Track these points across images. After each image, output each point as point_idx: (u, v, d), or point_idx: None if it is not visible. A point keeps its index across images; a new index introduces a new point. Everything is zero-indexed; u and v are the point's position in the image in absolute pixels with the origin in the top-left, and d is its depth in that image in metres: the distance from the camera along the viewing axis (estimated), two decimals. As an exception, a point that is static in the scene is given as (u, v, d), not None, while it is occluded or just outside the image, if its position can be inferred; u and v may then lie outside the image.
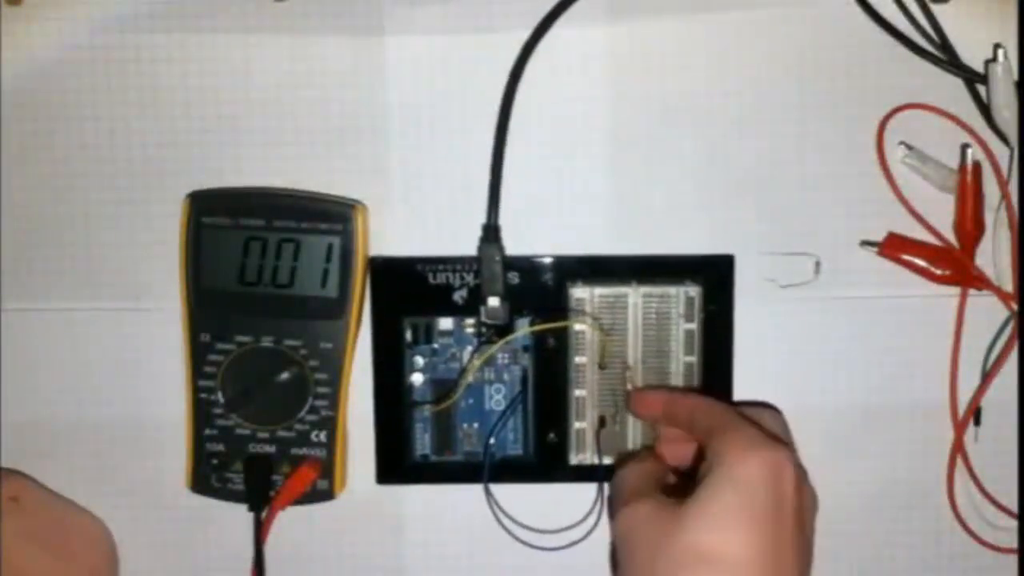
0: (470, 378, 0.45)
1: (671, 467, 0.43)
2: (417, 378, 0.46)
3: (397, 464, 0.46)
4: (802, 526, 0.36)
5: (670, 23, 0.45)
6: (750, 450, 0.36)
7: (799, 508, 0.36)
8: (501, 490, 0.46)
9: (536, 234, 0.46)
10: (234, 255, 0.44)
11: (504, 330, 0.45)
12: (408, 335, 0.46)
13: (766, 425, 0.39)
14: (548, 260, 0.45)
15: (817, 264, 0.46)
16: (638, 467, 0.41)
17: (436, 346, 0.46)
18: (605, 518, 0.45)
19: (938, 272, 0.45)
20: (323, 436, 0.45)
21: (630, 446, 0.46)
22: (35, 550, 0.45)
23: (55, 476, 0.47)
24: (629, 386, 0.45)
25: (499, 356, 0.46)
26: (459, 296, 0.45)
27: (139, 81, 0.45)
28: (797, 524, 0.36)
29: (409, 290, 0.45)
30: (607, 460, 0.45)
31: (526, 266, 0.45)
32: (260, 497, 0.45)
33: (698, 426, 0.40)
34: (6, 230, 0.46)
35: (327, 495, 0.46)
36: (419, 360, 0.46)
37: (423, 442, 0.46)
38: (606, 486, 0.45)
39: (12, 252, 0.46)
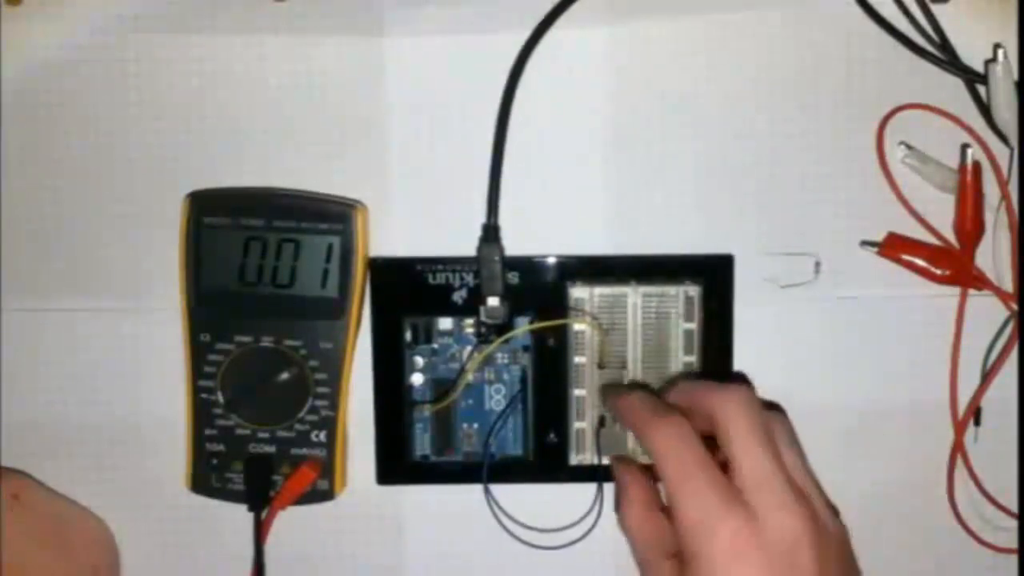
0: (470, 377, 0.45)
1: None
2: (417, 378, 0.46)
3: (397, 464, 0.46)
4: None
5: (670, 23, 0.45)
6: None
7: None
8: (501, 490, 0.46)
9: (536, 234, 0.46)
10: (234, 255, 0.44)
11: (503, 329, 0.45)
12: (408, 335, 0.46)
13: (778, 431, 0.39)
14: (548, 260, 0.45)
15: (817, 264, 0.46)
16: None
17: (436, 346, 0.46)
18: (604, 517, 0.46)
19: (938, 272, 0.45)
20: (323, 436, 0.45)
21: (630, 446, 0.46)
22: (36, 548, 0.45)
23: (55, 476, 0.47)
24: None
25: (499, 356, 0.46)
26: (459, 296, 0.45)
27: (139, 81, 0.45)
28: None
29: (409, 290, 0.45)
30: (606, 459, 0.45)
31: (526, 266, 0.45)
32: (260, 497, 0.45)
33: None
34: (6, 230, 0.46)
35: (327, 495, 0.46)
36: (419, 360, 0.46)
37: (423, 442, 0.46)
38: (606, 486, 0.45)
39: (12, 252, 0.46)
